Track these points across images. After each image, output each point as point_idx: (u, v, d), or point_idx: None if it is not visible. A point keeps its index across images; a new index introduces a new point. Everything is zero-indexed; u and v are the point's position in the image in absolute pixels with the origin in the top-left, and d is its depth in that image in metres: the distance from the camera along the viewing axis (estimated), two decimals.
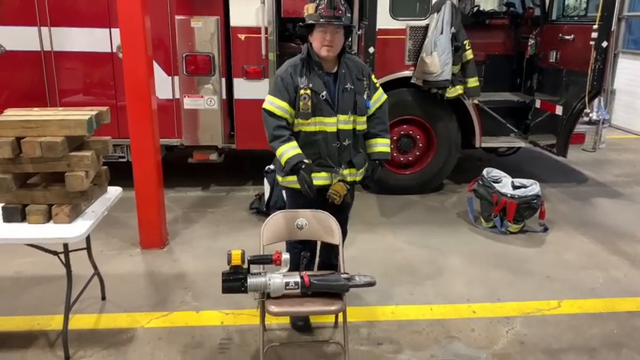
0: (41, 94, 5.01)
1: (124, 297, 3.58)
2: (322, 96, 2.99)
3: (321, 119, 3.02)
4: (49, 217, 2.79)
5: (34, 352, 3.02)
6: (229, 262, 2.63)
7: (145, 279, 3.88)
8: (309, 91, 2.96)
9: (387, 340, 3.16)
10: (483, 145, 5.51)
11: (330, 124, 3.03)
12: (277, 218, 2.94)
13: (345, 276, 2.75)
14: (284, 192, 4.49)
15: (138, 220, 4.23)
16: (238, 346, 3.10)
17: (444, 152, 5.44)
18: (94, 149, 2.92)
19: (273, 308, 2.64)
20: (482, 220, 4.77)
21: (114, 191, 3.28)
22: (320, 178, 3.07)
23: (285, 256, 2.70)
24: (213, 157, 5.29)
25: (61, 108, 2.97)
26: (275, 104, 3.00)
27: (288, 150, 2.97)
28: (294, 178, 3.06)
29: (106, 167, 3.16)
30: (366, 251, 4.24)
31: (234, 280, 2.64)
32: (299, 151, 2.98)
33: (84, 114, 2.80)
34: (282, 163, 3.00)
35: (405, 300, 3.60)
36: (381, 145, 3.18)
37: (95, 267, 3.42)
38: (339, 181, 3.06)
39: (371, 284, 2.75)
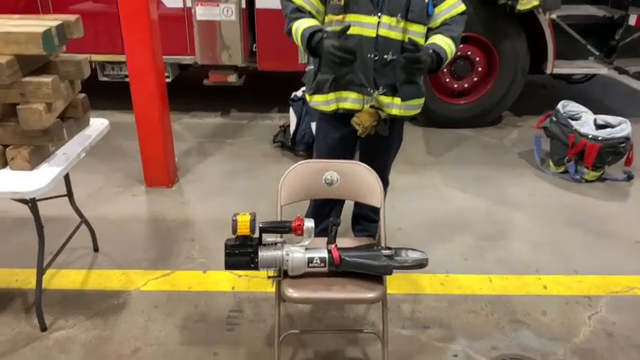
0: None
1: (120, 249, 3.02)
2: None
3: (357, 17, 2.24)
4: (4, 162, 2.15)
5: (5, 318, 2.50)
6: (234, 230, 1.97)
7: (146, 226, 3.29)
8: None
9: (435, 323, 2.53)
10: (556, 70, 4.54)
11: (369, 25, 2.24)
12: (300, 170, 2.23)
13: (388, 252, 2.06)
14: (312, 125, 3.76)
15: (141, 155, 3.60)
16: (250, 322, 2.52)
17: (508, 78, 4.51)
18: (62, 73, 2.21)
19: (291, 292, 1.99)
20: (552, 163, 3.95)
21: (98, 125, 2.61)
22: (349, 101, 2.36)
23: (309, 223, 2.01)
24: (232, 79, 4.52)
25: (17, 16, 2.22)
26: None
27: (304, 23, 2.24)
28: (322, 97, 2.39)
29: (83, 95, 2.46)
30: (409, 200, 3.53)
31: (241, 255, 1.99)
32: (317, 23, 2.27)
33: (41, 24, 2.06)
34: (299, 40, 2.26)
35: (458, 267, 2.92)
36: (439, 39, 2.28)
37: (81, 215, 2.83)
38: (372, 107, 2.35)
39: (421, 265, 2.06)
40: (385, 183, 2.64)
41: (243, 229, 1.97)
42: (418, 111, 2.48)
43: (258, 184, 3.70)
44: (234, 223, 1.97)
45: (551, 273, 2.89)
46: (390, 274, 2.02)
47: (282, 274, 2.05)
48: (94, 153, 2.74)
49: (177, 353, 2.34)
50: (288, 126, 4.10)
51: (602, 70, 4.63)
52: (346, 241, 2.26)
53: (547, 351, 2.37)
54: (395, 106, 2.37)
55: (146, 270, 2.85)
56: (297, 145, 3.96)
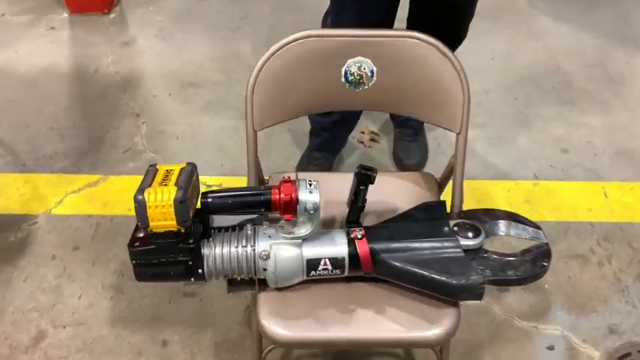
0: None
1: (26, 133, 1.97)
2: None
3: None
4: None
5: None
6: (144, 222, 0.89)
7: (66, 88, 2.15)
8: None
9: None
10: None
11: None
12: (293, 53, 1.03)
13: (472, 242, 1.00)
14: None
15: None
16: (219, 294, 1.58)
17: None
18: None
19: (273, 327, 1.00)
20: None
21: None
22: None
23: (309, 197, 0.92)
24: None
25: None
26: None
27: None
28: None
29: None
30: (478, 36, 2.26)
31: (165, 264, 0.95)
32: None
33: None
34: None
35: (553, 167, 1.85)
36: None
37: None
38: None
39: (537, 275, 1.00)
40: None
41: (163, 219, 0.89)
42: None
43: (245, 10, 2.41)
44: (141, 207, 0.88)
45: None
46: (480, 298, 0.98)
47: (258, 286, 1.03)
48: None
49: (104, 343, 1.46)
50: None
51: None
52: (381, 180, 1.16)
53: None
54: None
55: (63, 175, 1.84)
56: None
